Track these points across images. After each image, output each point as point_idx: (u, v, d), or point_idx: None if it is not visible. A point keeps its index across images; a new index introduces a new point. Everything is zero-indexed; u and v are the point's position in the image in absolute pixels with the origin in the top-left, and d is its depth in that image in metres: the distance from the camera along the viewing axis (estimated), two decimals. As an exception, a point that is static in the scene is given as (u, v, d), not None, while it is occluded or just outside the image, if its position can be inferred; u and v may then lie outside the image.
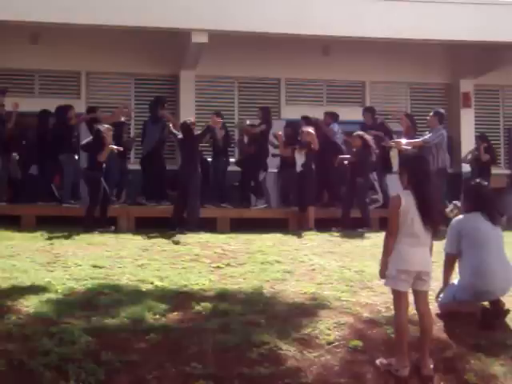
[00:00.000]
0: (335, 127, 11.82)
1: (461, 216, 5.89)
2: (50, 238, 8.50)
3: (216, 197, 11.50)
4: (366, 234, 9.45)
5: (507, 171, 13.87)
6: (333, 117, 12.05)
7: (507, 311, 5.62)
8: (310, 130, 10.66)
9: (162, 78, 13.39)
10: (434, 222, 4.83)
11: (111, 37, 12.05)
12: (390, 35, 12.07)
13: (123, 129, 11.62)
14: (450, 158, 12.82)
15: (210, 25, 11.44)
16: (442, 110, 10.99)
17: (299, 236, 9.29)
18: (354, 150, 10.61)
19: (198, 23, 11.43)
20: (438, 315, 5.58)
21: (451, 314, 5.57)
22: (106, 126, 10.14)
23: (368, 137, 10.54)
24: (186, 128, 10.17)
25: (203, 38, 11.44)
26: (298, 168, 10.64)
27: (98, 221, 9.73)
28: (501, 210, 6.65)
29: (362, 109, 12.51)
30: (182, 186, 10.12)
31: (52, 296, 5.62)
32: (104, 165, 9.98)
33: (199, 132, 10.36)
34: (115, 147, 10.18)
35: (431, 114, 10.78)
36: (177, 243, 8.35)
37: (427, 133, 10.64)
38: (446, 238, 5.87)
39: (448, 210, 6.98)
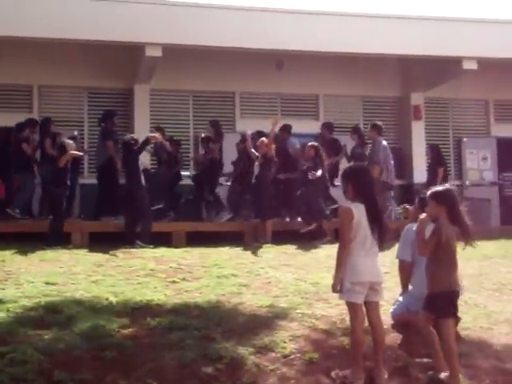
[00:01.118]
0: (293, 142, 11.82)
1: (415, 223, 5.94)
2: (1, 255, 8.31)
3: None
4: (321, 246, 9.55)
5: (457, 182, 14.18)
6: (287, 130, 12.10)
7: (458, 319, 5.73)
8: (265, 139, 10.71)
9: (116, 91, 13.30)
10: (383, 232, 4.87)
11: (64, 50, 11.94)
12: (343, 49, 12.29)
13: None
14: (401, 169, 13.13)
15: (164, 38, 11.45)
16: (380, 123, 11.23)
17: (255, 249, 9.32)
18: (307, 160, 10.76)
19: (151, 37, 11.43)
20: (391, 326, 5.66)
21: (404, 324, 5.64)
22: (70, 141, 10.23)
23: (320, 147, 10.74)
24: (125, 144, 10.27)
25: (157, 52, 11.44)
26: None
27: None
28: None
29: (321, 124, 12.66)
30: (127, 201, 10.14)
31: (3, 314, 5.50)
32: (68, 181, 10.04)
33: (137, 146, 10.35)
34: (76, 152, 10.21)
35: (369, 127, 11.06)
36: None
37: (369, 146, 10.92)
38: (400, 244, 5.91)
39: (399, 210, 7.04)
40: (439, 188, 5.09)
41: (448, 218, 4.85)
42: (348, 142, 12.11)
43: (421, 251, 5.02)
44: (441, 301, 4.90)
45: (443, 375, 4.87)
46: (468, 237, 4.96)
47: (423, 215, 5.01)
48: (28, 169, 11.06)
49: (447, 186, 5.23)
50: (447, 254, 4.91)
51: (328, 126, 12.24)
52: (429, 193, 5.05)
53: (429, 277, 5.00)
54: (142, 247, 9.28)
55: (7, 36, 11.04)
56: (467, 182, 14.38)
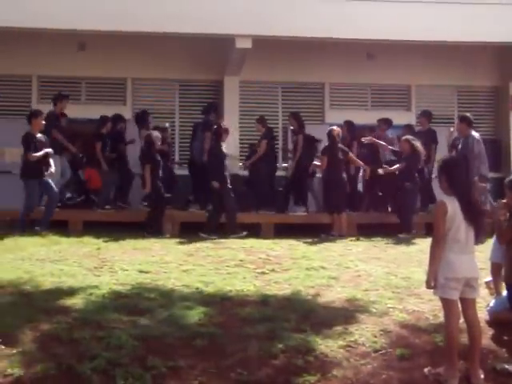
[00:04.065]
0: (389, 134, 11.55)
1: None
2: (96, 243, 8.62)
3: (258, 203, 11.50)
4: (413, 240, 9.33)
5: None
6: (387, 123, 11.92)
7: None
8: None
9: (207, 83, 13.46)
10: (479, 226, 4.74)
11: (156, 44, 12.19)
12: (436, 38, 11.91)
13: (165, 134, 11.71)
14: (498, 161, 12.60)
15: (254, 30, 11.47)
16: (469, 115, 10.61)
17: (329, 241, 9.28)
18: (403, 155, 10.47)
19: (241, 29, 11.47)
20: (487, 322, 5.46)
21: (502, 321, 5.43)
22: (155, 133, 10.40)
23: (416, 141, 10.39)
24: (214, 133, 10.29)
25: (247, 44, 11.48)
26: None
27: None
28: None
29: (420, 112, 12.35)
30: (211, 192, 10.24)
31: (99, 300, 5.68)
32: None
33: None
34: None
35: (458, 121, 10.48)
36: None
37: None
38: (492, 246, 5.76)
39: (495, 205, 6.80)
40: None
41: None
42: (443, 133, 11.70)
43: (498, 240, 5.07)
44: None
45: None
46: None
47: (501, 203, 4.93)
48: (98, 164, 11.26)
49: None
50: None
51: (428, 115, 11.89)
52: (506, 181, 5.12)
53: (506, 267, 4.90)
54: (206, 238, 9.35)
55: (103, 31, 11.38)
56: None
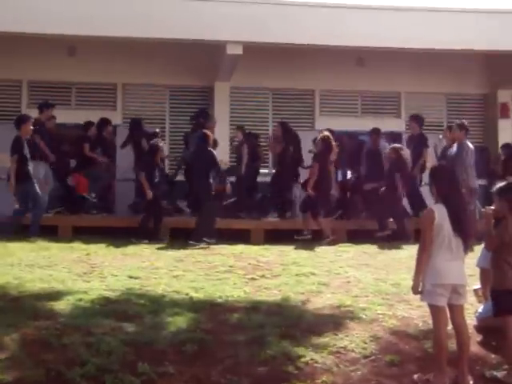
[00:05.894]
0: (384, 145, 11.44)
1: None
2: (86, 249, 8.58)
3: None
4: (403, 246, 9.36)
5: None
6: (377, 132, 11.79)
7: None
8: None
9: (197, 89, 13.49)
10: (467, 234, 4.79)
11: (147, 49, 12.21)
12: (426, 45, 12.00)
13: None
14: (487, 168, 12.66)
15: (245, 36, 11.51)
16: (466, 122, 10.67)
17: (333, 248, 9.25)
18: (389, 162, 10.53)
19: (232, 35, 11.51)
20: (476, 328, 5.48)
21: (490, 327, 5.45)
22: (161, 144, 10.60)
23: (404, 150, 10.45)
24: (201, 138, 10.26)
25: (238, 50, 11.52)
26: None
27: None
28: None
29: (409, 117, 12.38)
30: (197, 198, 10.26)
31: (89, 306, 5.66)
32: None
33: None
34: None
35: (455, 128, 10.46)
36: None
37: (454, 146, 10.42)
38: (481, 251, 5.79)
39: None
40: (502, 183, 5.15)
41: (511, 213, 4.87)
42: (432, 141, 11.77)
43: (486, 246, 5.10)
44: (502, 298, 4.88)
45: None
46: None
47: (489, 209, 5.01)
48: (86, 167, 11.31)
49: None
50: (510, 252, 4.90)
51: (418, 119, 11.83)
52: (494, 188, 5.12)
53: (494, 274, 4.99)
54: (208, 244, 9.35)
55: (93, 36, 11.37)
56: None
